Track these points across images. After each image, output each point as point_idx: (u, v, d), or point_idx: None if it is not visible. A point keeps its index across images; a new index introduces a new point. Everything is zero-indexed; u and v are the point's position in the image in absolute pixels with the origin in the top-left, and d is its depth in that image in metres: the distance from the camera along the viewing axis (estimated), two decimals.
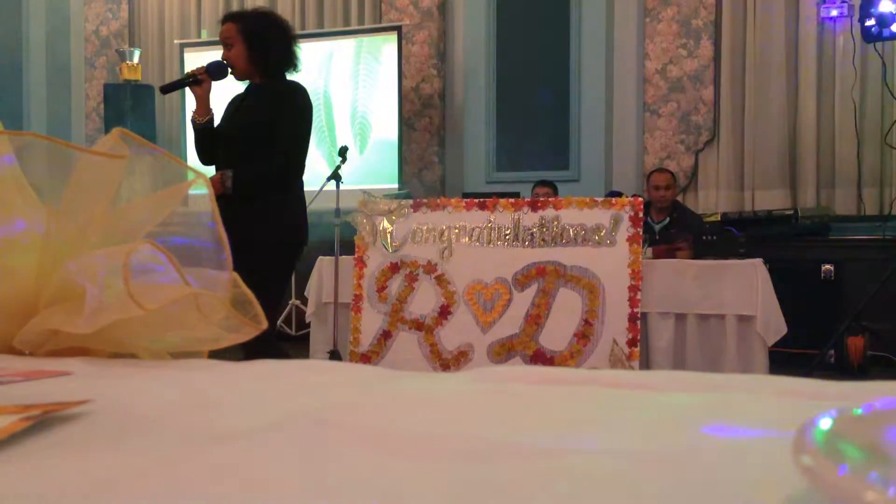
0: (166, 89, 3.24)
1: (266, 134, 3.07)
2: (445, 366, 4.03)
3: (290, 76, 3.24)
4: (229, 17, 3.19)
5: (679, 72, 6.18)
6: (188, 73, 3.18)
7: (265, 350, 3.20)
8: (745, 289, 3.86)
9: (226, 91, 3.29)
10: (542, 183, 5.60)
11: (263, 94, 3.15)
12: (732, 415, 0.57)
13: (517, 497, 0.41)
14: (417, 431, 0.53)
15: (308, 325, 4.58)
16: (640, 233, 3.95)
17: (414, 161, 6.78)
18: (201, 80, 3.11)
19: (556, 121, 6.44)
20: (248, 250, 3.06)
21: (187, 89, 3.20)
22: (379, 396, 0.69)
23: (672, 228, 4.81)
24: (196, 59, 6.91)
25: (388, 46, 6.55)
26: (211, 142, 3.17)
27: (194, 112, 3.17)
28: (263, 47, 3.12)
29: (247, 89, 3.23)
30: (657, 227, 4.88)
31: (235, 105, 3.22)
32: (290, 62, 3.20)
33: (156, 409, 0.63)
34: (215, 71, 3.12)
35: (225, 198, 3.00)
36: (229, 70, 3.14)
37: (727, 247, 4.18)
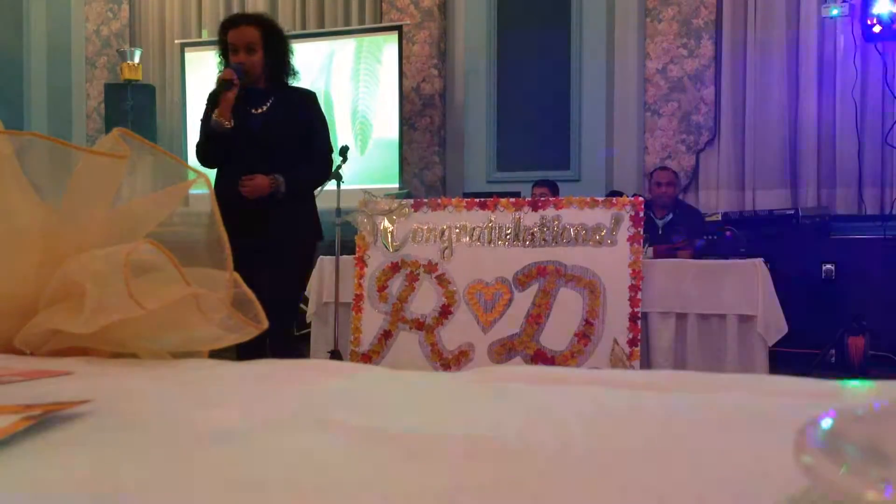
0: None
1: (303, 138, 3.17)
2: (446, 365, 4.03)
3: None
4: (251, 21, 3.16)
5: (680, 71, 6.17)
6: (224, 79, 3.05)
7: (287, 350, 3.22)
8: (746, 288, 3.86)
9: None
10: (541, 183, 5.59)
11: (286, 99, 3.16)
12: (732, 415, 0.57)
13: (517, 497, 0.40)
14: (418, 431, 0.53)
15: (309, 325, 4.58)
16: (641, 232, 3.95)
17: (414, 161, 6.77)
18: (235, 85, 3.06)
19: (556, 121, 6.43)
20: (286, 250, 3.16)
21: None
22: (379, 396, 0.69)
23: (675, 224, 4.85)
24: (197, 59, 6.92)
25: (388, 46, 6.55)
26: (224, 145, 3.12)
27: (219, 115, 3.04)
28: (282, 54, 3.16)
29: (252, 94, 3.14)
30: (660, 224, 4.93)
31: (248, 110, 3.14)
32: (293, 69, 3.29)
33: (156, 409, 0.63)
34: (242, 75, 3.08)
35: (259, 201, 3.05)
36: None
37: (728, 246, 4.18)
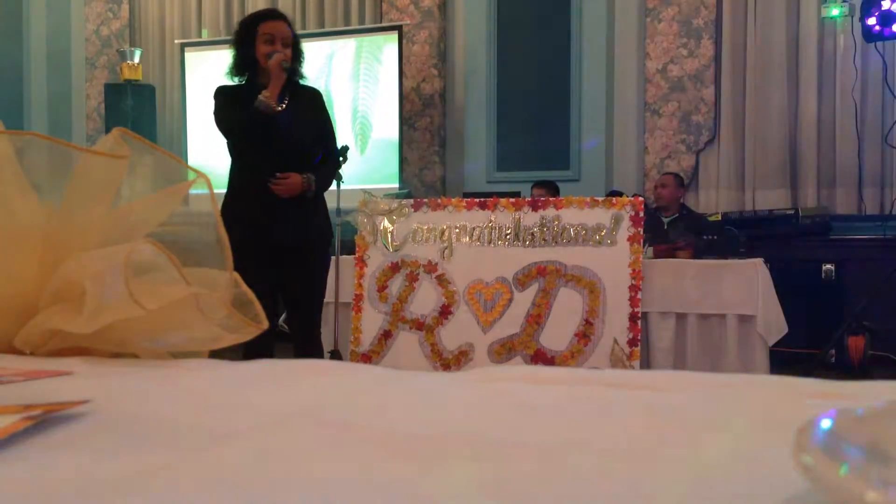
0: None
1: (318, 136, 3.21)
2: (446, 365, 4.03)
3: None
4: (286, 18, 3.18)
5: (680, 71, 6.17)
6: (285, 59, 3.02)
7: (312, 352, 3.23)
8: (746, 288, 3.85)
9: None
10: (540, 183, 5.59)
11: (299, 97, 3.16)
12: (732, 415, 0.57)
13: (517, 497, 0.40)
14: (418, 431, 0.53)
15: None
16: (641, 232, 3.95)
17: (414, 161, 6.77)
18: (286, 70, 3.05)
19: (556, 121, 6.43)
20: (313, 248, 3.19)
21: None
22: (379, 396, 0.69)
23: (680, 223, 4.89)
24: (197, 59, 6.92)
25: (388, 46, 6.55)
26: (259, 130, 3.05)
27: (268, 96, 2.97)
28: (301, 57, 3.19)
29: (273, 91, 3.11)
30: (666, 221, 4.99)
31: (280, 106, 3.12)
32: None
33: (156, 409, 0.63)
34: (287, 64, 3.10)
35: (287, 199, 3.04)
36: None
37: (728, 246, 4.18)
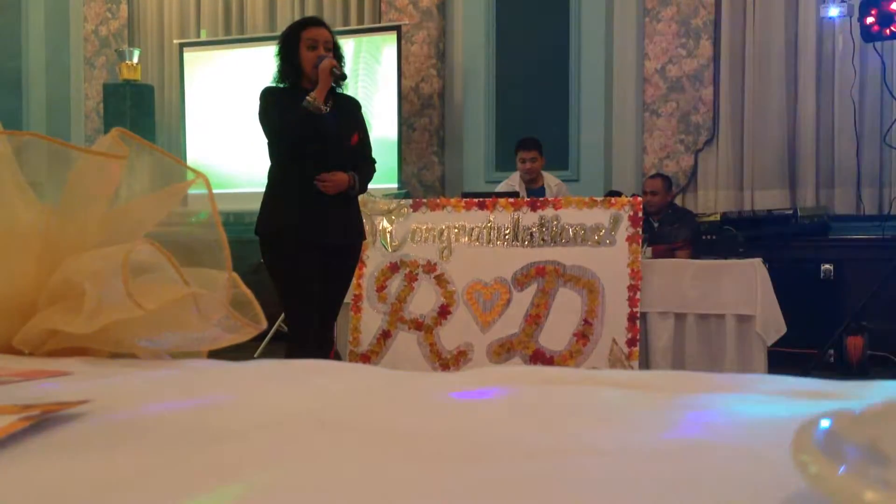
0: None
1: (359, 141, 3.29)
2: (445, 365, 4.03)
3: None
4: (324, 24, 3.28)
5: (678, 71, 6.17)
6: (335, 67, 3.09)
7: (327, 349, 3.29)
8: (745, 288, 3.86)
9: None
10: (526, 145, 5.13)
11: (341, 103, 3.21)
12: (732, 415, 0.57)
13: (517, 497, 0.40)
14: (418, 431, 0.53)
15: None
16: (640, 232, 3.95)
17: (413, 161, 6.77)
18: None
19: (554, 121, 6.43)
20: (360, 251, 3.29)
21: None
22: (378, 396, 0.69)
23: (669, 223, 4.87)
24: (196, 59, 6.91)
25: (387, 46, 6.54)
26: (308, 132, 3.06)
27: (316, 98, 3.00)
28: (341, 58, 3.26)
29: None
30: (656, 225, 4.96)
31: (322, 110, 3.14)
32: None
33: (155, 409, 0.63)
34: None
35: (336, 201, 3.09)
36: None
37: (727, 246, 4.19)
